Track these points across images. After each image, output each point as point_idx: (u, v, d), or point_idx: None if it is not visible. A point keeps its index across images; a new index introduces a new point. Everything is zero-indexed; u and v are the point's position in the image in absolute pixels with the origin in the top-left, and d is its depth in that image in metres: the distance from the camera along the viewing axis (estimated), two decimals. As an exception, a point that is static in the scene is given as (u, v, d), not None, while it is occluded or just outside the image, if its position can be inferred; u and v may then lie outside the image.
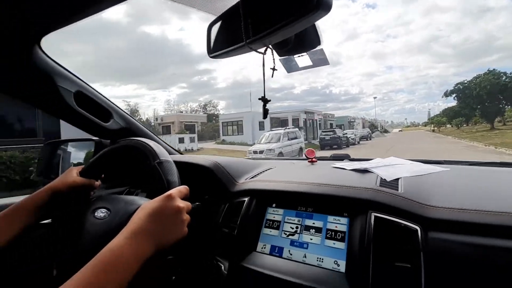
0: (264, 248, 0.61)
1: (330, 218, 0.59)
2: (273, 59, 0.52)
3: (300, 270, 0.54)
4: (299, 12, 0.38)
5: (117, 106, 0.97)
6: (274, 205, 0.66)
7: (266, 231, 0.63)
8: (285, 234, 0.61)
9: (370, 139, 27.81)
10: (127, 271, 0.42)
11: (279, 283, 0.53)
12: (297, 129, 14.64)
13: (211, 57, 0.56)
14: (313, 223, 0.59)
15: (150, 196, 0.72)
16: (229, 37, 0.51)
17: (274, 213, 0.65)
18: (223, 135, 27.03)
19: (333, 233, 0.57)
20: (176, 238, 0.50)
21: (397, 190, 0.59)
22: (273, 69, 0.52)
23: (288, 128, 14.11)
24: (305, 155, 0.94)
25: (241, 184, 0.74)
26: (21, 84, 0.78)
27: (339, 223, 0.57)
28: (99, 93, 0.92)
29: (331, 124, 33.78)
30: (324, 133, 18.52)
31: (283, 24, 0.42)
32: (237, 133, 26.26)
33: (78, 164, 1.18)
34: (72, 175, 0.71)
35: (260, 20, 0.45)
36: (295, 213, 0.63)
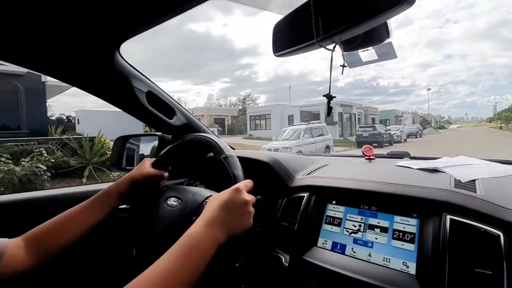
0: (325, 244, 0.62)
1: (397, 218, 0.57)
2: (343, 56, 0.51)
3: (364, 268, 0.54)
4: (380, 7, 0.37)
5: (179, 104, 1.05)
6: (334, 202, 0.66)
7: (327, 227, 0.63)
8: (347, 231, 0.61)
9: (420, 136, 24.57)
10: (205, 256, 0.46)
11: (343, 279, 0.53)
12: (324, 124, 12.34)
13: (276, 55, 0.58)
14: (378, 222, 0.58)
15: (211, 188, 0.78)
16: (297, 36, 0.52)
17: (335, 210, 0.65)
18: (250, 130, 25.79)
19: (400, 233, 0.55)
20: (243, 229, 0.54)
21: (475, 192, 0.55)
22: (343, 66, 0.52)
23: (312, 123, 12.05)
24: (363, 152, 0.91)
25: (299, 179, 0.75)
26: (103, 85, 0.89)
27: (407, 224, 0.55)
28: (165, 92, 1.00)
29: (373, 119, 30.75)
30: (362, 129, 16.59)
31: (361, 20, 0.41)
32: (264, 127, 24.79)
33: (142, 156, 1.31)
34: (146, 166, 0.79)
35: (332, 18, 0.45)
36: (357, 211, 0.62)
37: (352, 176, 0.69)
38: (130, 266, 0.71)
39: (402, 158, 0.96)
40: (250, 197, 0.56)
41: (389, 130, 17.82)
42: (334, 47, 0.51)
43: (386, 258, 0.54)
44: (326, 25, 0.47)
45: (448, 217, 0.50)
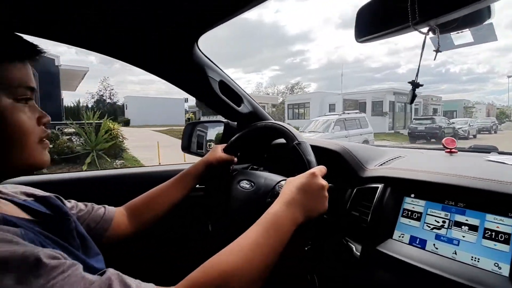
0: (402, 237, 0.60)
1: (490, 217, 0.52)
2: (438, 40, 0.48)
3: (449, 266, 0.51)
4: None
5: (246, 93, 1.10)
6: (412, 195, 0.63)
7: (404, 220, 0.61)
8: (429, 226, 0.58)
9: (495, 132, 20.31)
10: (286, 233, 0.49)
11: (425, 274, 0.52)
12: (363, 114, 10.34)
13: (359, 41, 0.56)
14: (466, 220, 0.54)
15: (275, 173, 0.81)
16: (388, 19, 0.50)
17: (413, 204, 0.62)
18: (288, 119, 23.77)
19: (493, 233, 0.51)
20: (319, 212, 0.55)
21: None
22: (437, 51, 0.48)
23: (347, 113, 10.16)
24: (443, 145, 0.84)
25: (371, 170, 0.73)
26: (181, 75, 0.97)
27: (502, 224, 0.51)
28: (234, 81, 1.05)
29: (434, 110, 26.54)
30: (417, 121, 13.89)
31: (466, 2, 0.38)
32: (303, 117, 22.49)
33: (210, 140, 1.40)
34: (219, 151, 0.85)
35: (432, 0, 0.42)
36: (441, 206, 0.58)
37: (433, 169, 0.65)
38: (206, 240, 0.80)
39: (489, 152, 0.86)
40: (325, 182, 0.58)
41: (453, 123, 14.92)
42: (429, 30, 0.48)
43: (475, 258, 0.51)
44: (423, 8, 0.44)
45: None
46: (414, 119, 15.55)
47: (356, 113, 10.28)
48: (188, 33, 0.82)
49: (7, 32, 0.41)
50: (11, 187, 0.52)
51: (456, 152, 0.83)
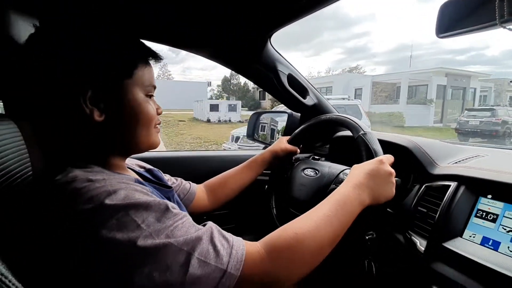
0: (474, 237, 0.59)
1: None
2: (534, 35, 0.45)
3: None
4: None
5: (312, 85, 1.13)
6: (489, 196, 0.60)
7: (477, 221, 0.60)
8: (504, 229, 0.56)
9: None
10: (353, 212, 0.53)
11: (494, 276, 0.51)
12: (356, 102, 7.51)
13: (440, 37, 0.55)
14: (553, 227, 0.51)
15: (337, 163, 0.84)
16: (471, 16, 0.49)
17: (490, 205, 0.60)
18: None
19: None
20: (387, 197, 0.58)
21: None
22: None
23: (336, 99, 7.33)
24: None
25: (444, 167, 0.71)
26: (255, 69, 1.06)
27: None
28: (301, 74, 1.10)
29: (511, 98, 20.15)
30: (470, 114, 10.49)
31: None
32: None
33: (272, 130, 1.48)
34: (284, 142, 0.92)
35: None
36: (522, 210, 0.55)
37: None
38: (271, 219, 0.89)
39: None
40: (392, 170, 0.59)
41: None
42: (523, 25, 0.45)
43: (560, 267, 0.48)
44: (517, 2, 0.42)
45: None
46: (466, 109, 11.34)
47: (345, 99, 7.62)
48: (262, 30, 0.90)
49: (137, 40, 0.54)
50: (128, 161, 0.67)
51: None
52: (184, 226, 0.41)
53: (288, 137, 0.94)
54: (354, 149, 0.70)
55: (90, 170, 0.45)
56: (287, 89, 1.04)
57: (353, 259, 0.78)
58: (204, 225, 0.45)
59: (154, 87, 0.54)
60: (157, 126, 0.57)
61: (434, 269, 0.60)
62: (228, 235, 0.45)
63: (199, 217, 1.02)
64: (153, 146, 0.55)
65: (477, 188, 0.62)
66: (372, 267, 0.71)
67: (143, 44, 0.54)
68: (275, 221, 0.87)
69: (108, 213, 0.37)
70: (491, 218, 0.58)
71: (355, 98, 15.29)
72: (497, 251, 0.55)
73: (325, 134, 1.13)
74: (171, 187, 0.64)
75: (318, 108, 1.13)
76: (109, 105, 0.47)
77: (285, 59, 1.04)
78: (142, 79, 0.50)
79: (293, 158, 0.97)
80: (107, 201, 0.38)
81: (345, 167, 0.78)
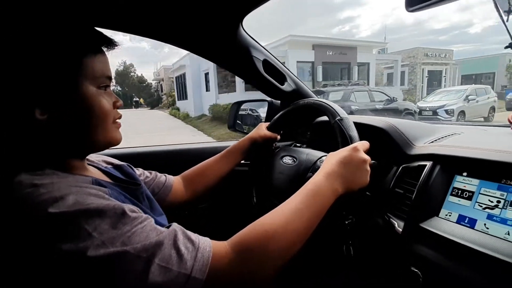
0: (450, 215, 0.58)
1: (556, 199, 0.48)
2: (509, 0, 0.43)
3: (500, 246, 0.49)
4: None
5: (289, 70, 1.10)
6: (465, 173, 0.60)
7: (453, 199, 0.59)
8: (480, 206, 0.55)
9: None
10: (325, 202, 0.51)
11: (471, 254, 0.51)
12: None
13: (410, 11, 0.53)
14: (526, 201, 0.50)
15: (318, 150, 0.82)
16: (441, -15, 0.46)
17: (465, 182, 0.59)
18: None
19: (559, 216, 0.47)
20: (360, 185, 0.56)
21: None
22: (509, 11, 0.43)
23: None
24: (510, 120, 0.75)
25: (420, 147, 0.70)
26: (227, 55, 1.01)
27: None
28: (278, 60, 1.06)
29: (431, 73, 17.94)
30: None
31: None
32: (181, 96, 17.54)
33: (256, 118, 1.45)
34: (263, 129, 0.90)
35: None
36: (496, 185, 0.55)
37: (492, 146, 0.60)
38: (251, 210, 0.87)
39: None
40: (367, 157, 0.58)
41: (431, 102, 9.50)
42: (493, -8, 0.43)
43: (533, 240, 0.47)
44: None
45: None
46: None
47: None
48: (232, 13, 0.85)
49: (88, 27, 0.49)
50: (95, 156, 0.63)
51: (526, 129, 0.74)
52: (144, 230, 0.38)
53: (267, 124, 0.91)
54: (332, 135, 0.68)
55: (40, 173, 0.41)
56: (263, 76, 1.00)
57: (333, 244, 0.77)
58: (169, 227, 0.42)
59: (110, 78, 0.50)
60: (117, 121, 0.53)
61: (412, 250, 0.60)
62: (194, 236, 0.42)
63: (180, 211, 0.99)
64: (113, 143, 0.51)
65: (452, 166, 0.61)
66: (351, 251, 0.70)
67: (94, 30, 0.49)
68: (255, 211, 0.85)
69: (53, 223, 0.34)
70: (466, 196, 0.58)
71: (206, 85, 14.11)
72: (473, 228, 0.54)
73: (305, 120, 1.10)
74: (139, 184, 0.61)
75: (297, 94, 1.11)
76: (52, 101, 0.43)
77: (260, 44, 1.00)
78: (92, 70, 0.46)
79: (274, 145, 0.94)
80: (52, 209, 0.35)
81: (323, 153, 0.76)
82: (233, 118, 1.40)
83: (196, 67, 14.94)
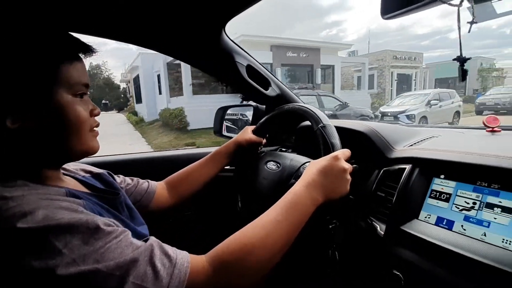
0: (429, 217, 0.59)
1: (527, 199, 0.49)
2: (472, 11, 0.45)
3: (477, 247, 0.50)
4: None
5: (274, 75, 1.11)
6: (442, 176, 0.61)
7: (432, 201, 0.60)
8: (457, 208, 0.57)
9: None
10: (305, 213, 0.51)
11: (449, 255, 0.52)
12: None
13: (385, 18, 0.54)
14: (500, 202, 0.52)
15: (302, 155, 0.82)
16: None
17: (443, 185, 0.60)
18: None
19: (530, 216, 0.48)
20: (341, 194, 0.57)
21: None
22: (472, 22, 0.45)
23: None
24: (484, 123, 0.78)
25: (400, 150, 0.72)
26: (210, 62, 1.01)
27: (541, 207, 0.48)
28: (261, 65, 1.06)
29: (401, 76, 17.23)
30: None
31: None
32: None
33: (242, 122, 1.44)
34: (248, 132, 0.89)
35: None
36: (472, 187, 0.56)
37: (468, 149, 0.62)
38: (236, 216, 0.86)
39: (541, 131, 0.78)
40: (347, 165, 0.58)
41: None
42: (462, 1, 0.44)
43: (507, 240, 0.49)
44: (453, -23, 0.41)
45: None
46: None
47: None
48: (215, 19, 0.85)
49: (63, 33, 0.47)
50: (72, 165, 0.61)
51: (500, 131, 0.77)
52: (119, 246, 0.37)
53: (253, 127, 0.91)
54: (315, 141, 0.68)
55: (11, 185, 0.39)
56: (247, 81, 1.00)
57: (318, 249, 0.77)
58: (147, 240, 0.41)
59: (86, 85, 0.48)
60: (94, 129, 0.51)
61: (394, 252, 0.60)
62: (172, 251, 0.41)
63: (165, 219, 0.96)
64: (90, 152, 0.50)
65: (431, 169, 0.62)
66: (335, 255, 0.70)
67: (69, 36, 0.48)
68: (241, 218, 0.84)
69: (22, 238, 0.33)
70: (444, 198, 0.59)
71: (159, 88, 12.72)
72: (451, 230, 0.55)
73: (290, 125, 1.11)
74: (118, 194, 0.59)
75: (282, 99, 1.11)
76: (25, 110, 0.41)
77: (243, 50, 1.00)
78: (67, 77, 0.44)
79: (259, 149, 0.94)
80: (21, 224, 0.33)
81: (307, 159, 0.77)
82: (219, 123, 1.39)
83: (149, 68, 13.75)
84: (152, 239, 0.42)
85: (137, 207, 0.66)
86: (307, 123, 1.06)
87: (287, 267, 0.68)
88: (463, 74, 0.49)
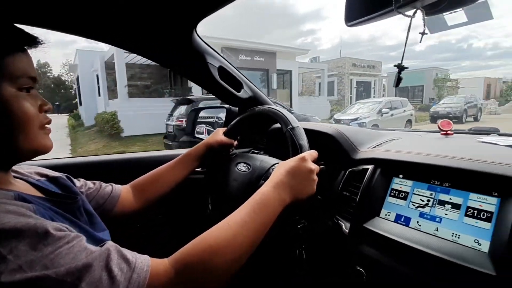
0: (389, 215, 0.63)
1: (473, 196, 0.54)
2: (424, 22, 0.48)
3: (430, 241, 0.54)
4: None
5: (246, 78, 1.11)
6: (401, 176, 0.65)
7: (391, 200, 0.64)
8: (414, 205, 0.60)
9: (477, 120, 12.94)
10: (273, 213, 0.52)
11: (407, 250, 0.55)
12: None
13: (348, 25, 0.57)
14: (450, 199, 0.56)
15: (274, 156, 0.83)
16: (372, 3, 0.50)
17: (401, 184, 0.64)
18: None
19: (475, 211, 0.53)
20: (308, 194, 0.58)
21: None
22: (423, 33, 0.49)
23: None
24: (439, 127, 0.85)
25: (363, 152, 0.75)
26: (181, 62, 0.99)
27: (485, 202, 0.52)
28: (234, 67, 1.07)
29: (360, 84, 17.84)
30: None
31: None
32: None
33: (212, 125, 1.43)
34: (219, 134, 0.89)
35: (414, -20, 0.43)
36: (427, 186, 0.60)
37: (424, 150, 0.66)
38: (206, 218, 0.85)
39: (488, 134, 0.86)
40: (314, 166, 0.60)
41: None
42: (415, 12, 0.48)
43: (456, 234, 0.53)
44: (407, -11, 0.44)
45: None
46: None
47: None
48: (186, 19, 0.84)
49: (7, 24, 0.44)
50: (26, 168, 0.56)
51: (452, 134, 0.83)
52: (71, 251, 0.35)
53: (224, 129, 0.91)
54: (285, 143, 0.69)
55: None
56: (218, 83, 1.00)
57: (286, 248, 0.78)
58: (103, 245, 0.39)
59: (34, 79, 0.45)
60: (45, 126, 0.48)
61: (358, 249, 0.63)
62: (131, 255, 0.39)
63: (132, 224, 0.92)
64: (41, 150, 0.47)
65: (391, 169, 0.66)
66: (303, 254, 0.72)
67: (14, 27, 0.45)
68: (210, 221, 0.83)
69: None
70: (402, 196, 0.63)
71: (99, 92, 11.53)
72: (408, 226, 0.59)
73: (262, 127, 1.12)
74: (76, 198, 0.55)
75: (254, 101, 1.12)
76: None
77: (216, 51, 1.00)
78: (11, 70, 0.41)
79: (231, 151, 0.94)
80: None
81: (276, 160, 0.78)
82: (191, 125, 1.38)
83: (88, 67, 12.49)
84: (109, 244, 0.40)
85: (100, 212, 0.63)
86: (278, 125, 1.08)
87: (255, 267, 0.68)
88: (398, 80, 0.53)
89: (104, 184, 0.72)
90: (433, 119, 12.18)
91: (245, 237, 0.46)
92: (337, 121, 9.11)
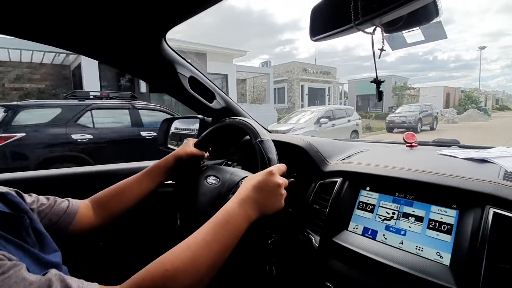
0: (356, 228, 0.63)
1: (435, 209, 0.55)
2: (382, 39, 0.50)
3: (395, 255, 0.54)
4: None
5: (219, 88, 1.10)
6: (368, 188, 0.66)
7: (359, 212, 0.64)
8: (380, 218, 0.61)
9: (433, 129, 12.89)
10: (238, 230, 0.50)
11: (372, 264, 0.55)
12: None
13: (313, 40, 0.58)
14: (413, 211, 0.57)
15: (246, 169, 0.82)
16: (334, 20, 0.51)
17: (368, 196, 0.65)
18: None
19: (437, 224, 0.54)
20: (275, 209, 0.57)
21: None
22: (381, 49, 0.50)
23: None
24: (404, 139, 0.87)
25: (333, 164, 0.75)
26: (150, 71, 0.96)
27: (445, 215, 0.54)
28: (206, 77, 1.05)
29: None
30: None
31: (402, 2, 0.39)
32: None
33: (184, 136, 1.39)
34: (190, 145, 0.86)
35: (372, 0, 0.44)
36: (392, 198, 0.61)
37: (389, 163, 0.67)
38: (174, 235, 0.81)
39: (449, 146, 0.90)
40: (282, 180, 0.59)
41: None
42: (374, 30, 0.49)
43: (419, 247, 0.54)
44: (366, 7, 0.45)
45: (492, 210, 0.47)
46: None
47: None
48: (154, 28, 0.82)
49: None
50: None
51: (417, 146, 0.86)
52: (5, 284, 0.31)
53: (195, 140, 0.88)
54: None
55: None
56: (189, 93, 0.98)
57: (256, 264, 0.76)
58: (45, 274, 0.35)
59: None
60: None
61: (327, 264, 0.62)
62: (77, 284, 0.35)
63: (94, 242, 0.85)
64: None
65: (358, 182, 0.67)
66: (273, 270, 0.70)
67: None
68: (178, 237, 0.79)
69: None
70: (369, 209, 0.63)
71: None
72: (375, 239, 0.59)
73: (234, 138, 1.10)
74: (22, 217, 0.50)
75: (227, 112, 1.10)
76: None
77: (186, 61, 0.98)
78: None
79: (202, 163, 0.91)
80: None
81: (247, 173, 0.76)
82: (164, 135, 1.33)
83: None
84: (52, 273, 0.36)
85: (54, 230, 0.57)
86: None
87: (223, 286, 0.65)
88: (379, 95, 0.54)
89: (59, 200, 0.66)
90: (390, 128, 11.94)
91: (206, 258, 0.44)
92: (273, 132, 8.33)
